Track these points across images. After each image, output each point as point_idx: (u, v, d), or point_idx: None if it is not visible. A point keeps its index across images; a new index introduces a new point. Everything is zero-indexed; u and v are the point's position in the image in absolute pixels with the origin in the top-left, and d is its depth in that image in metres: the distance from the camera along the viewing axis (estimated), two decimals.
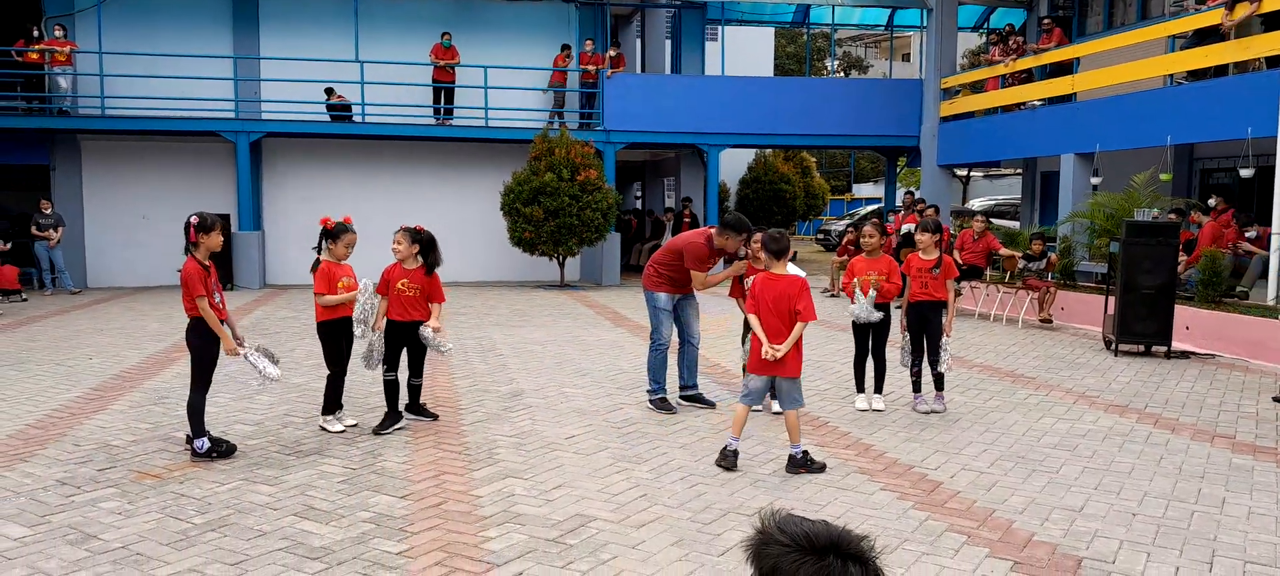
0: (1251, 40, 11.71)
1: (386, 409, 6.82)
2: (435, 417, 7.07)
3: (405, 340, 6.80)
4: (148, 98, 16.84)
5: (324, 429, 6.69)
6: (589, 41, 18.87)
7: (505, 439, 6.55)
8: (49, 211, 16.17)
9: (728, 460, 5.83)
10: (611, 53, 18.79)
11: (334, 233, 6.63)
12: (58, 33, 16.44)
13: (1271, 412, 7.57)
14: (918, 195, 18.53)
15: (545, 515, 4.99)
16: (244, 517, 4.93)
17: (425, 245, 6.79)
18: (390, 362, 6.76)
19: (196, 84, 17.06)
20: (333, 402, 6.71)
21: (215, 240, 5.98)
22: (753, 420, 6.64)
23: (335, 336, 6.61)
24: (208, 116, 17.21)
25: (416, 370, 6.96)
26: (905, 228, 14.82)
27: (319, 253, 6.66)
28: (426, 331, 6.73)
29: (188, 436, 6.09)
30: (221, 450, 6.00)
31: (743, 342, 7.12)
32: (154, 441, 6.43)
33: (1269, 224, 11.36)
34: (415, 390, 6.99)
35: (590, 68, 18.55)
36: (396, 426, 6.72)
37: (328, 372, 6.68)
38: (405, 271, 6.74)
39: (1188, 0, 14.04)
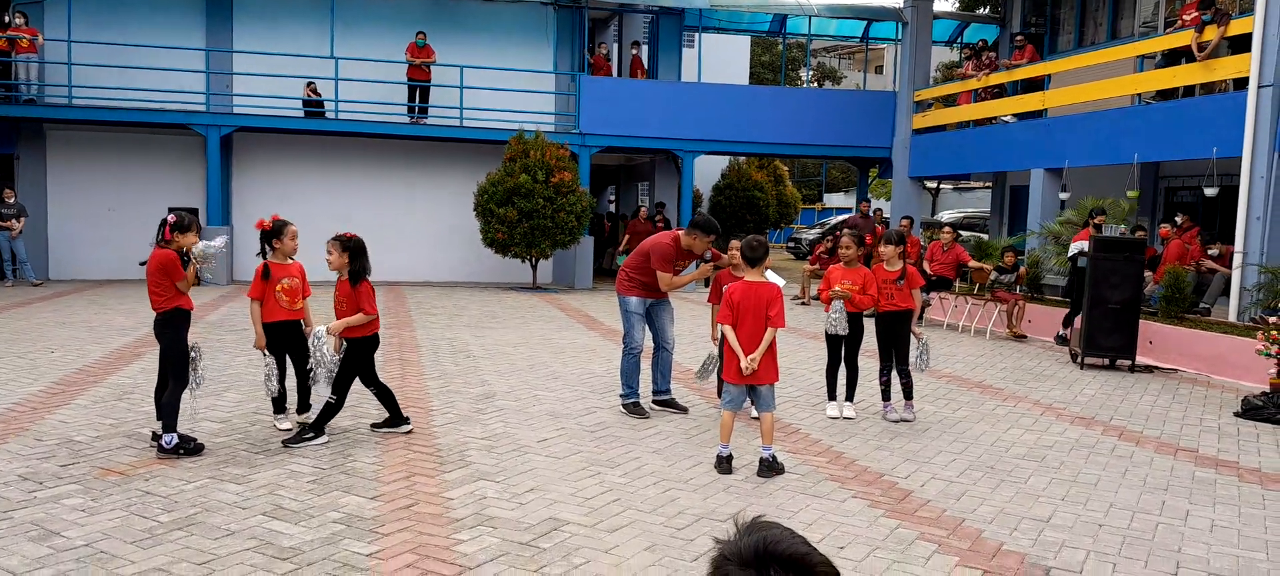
0: (1218, 62, 11.92)
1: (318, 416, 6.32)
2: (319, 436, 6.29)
3: (287, 344, 6.44)
4: (117, 88, 16.58)
5: (276, 427, 6.63)
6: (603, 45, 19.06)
7: (477, 441, 6.51)
8: (12, 201, 15.88)
9: (723, 466, 5.89)
10: (633, 51, 19.12)
11: (275, 230, 6.45)
12: (19, 21, 16.13)
13: (1233, 427, 7.72)
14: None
15: (517, 518, 4.97)
16: (211, 516, 4.86)
17: (354, 252, 6.20)
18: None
19: (167, 75, 16.81)
20: (278, 403, 6.63)
21: (189, 240, 5.93)
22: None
23: (277, 340, 6.45)
24: (178, 109, 16.97)
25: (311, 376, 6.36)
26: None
27: (264, 257, 6.47)
28: (324, 340, 6.15)
29: (154, 433, 6.00)
30: (189, 447, 5.91)
31: (718, 352, 7.12)
32: (118, 437, 6.32)
33: (1232, 242, 11.58)
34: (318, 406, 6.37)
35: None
36: (317, 440, 6.24)
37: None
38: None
39: (1158, 20, 14.28)
